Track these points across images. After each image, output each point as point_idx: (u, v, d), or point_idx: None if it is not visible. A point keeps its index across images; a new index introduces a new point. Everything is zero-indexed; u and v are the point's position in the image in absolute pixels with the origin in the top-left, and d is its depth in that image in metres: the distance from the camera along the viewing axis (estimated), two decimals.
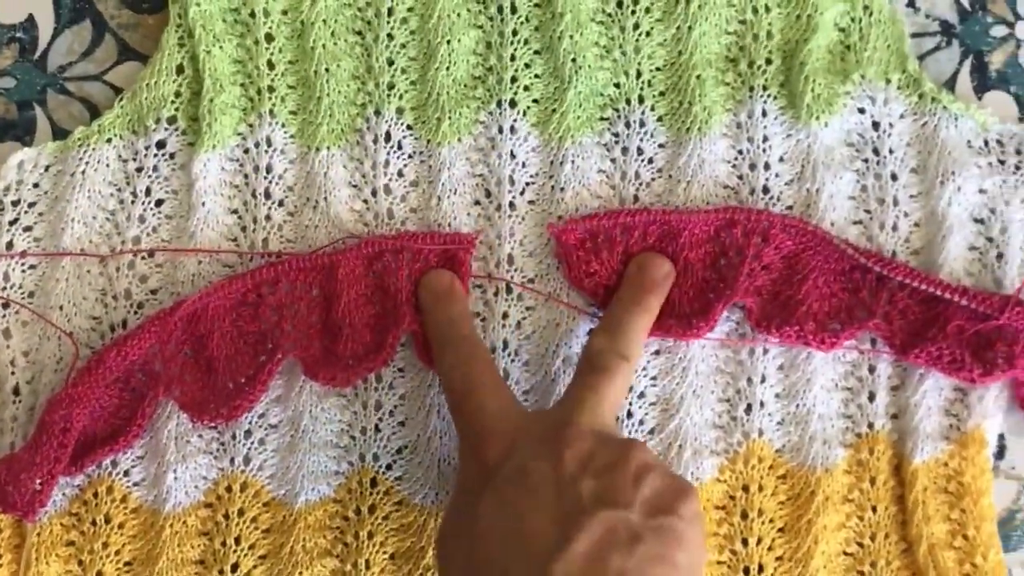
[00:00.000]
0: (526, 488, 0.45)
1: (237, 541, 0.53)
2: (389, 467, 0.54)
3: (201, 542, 0.53)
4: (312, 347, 0.53)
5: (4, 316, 0.54)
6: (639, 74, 0.56)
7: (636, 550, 0.43)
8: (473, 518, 0.45)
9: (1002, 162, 0.56)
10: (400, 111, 0.56)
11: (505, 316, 0.55)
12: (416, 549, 0.53)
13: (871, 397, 0.54)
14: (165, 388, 0.52)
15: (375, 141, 0.56)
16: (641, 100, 0.56)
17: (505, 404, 0.49)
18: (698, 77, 0.56)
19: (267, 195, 0.55)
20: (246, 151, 0.56)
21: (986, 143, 0.56)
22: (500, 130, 0.56)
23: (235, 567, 0.53)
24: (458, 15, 0.56)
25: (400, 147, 0.56)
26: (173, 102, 0.55)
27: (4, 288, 0.54)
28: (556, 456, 0.45)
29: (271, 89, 0.56)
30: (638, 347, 0.51)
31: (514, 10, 0.57)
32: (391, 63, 0.56)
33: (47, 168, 0.55)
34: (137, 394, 0.53)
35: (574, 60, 0.56)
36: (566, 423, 0.47)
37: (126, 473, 0.53)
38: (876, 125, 0.56)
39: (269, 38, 0.56)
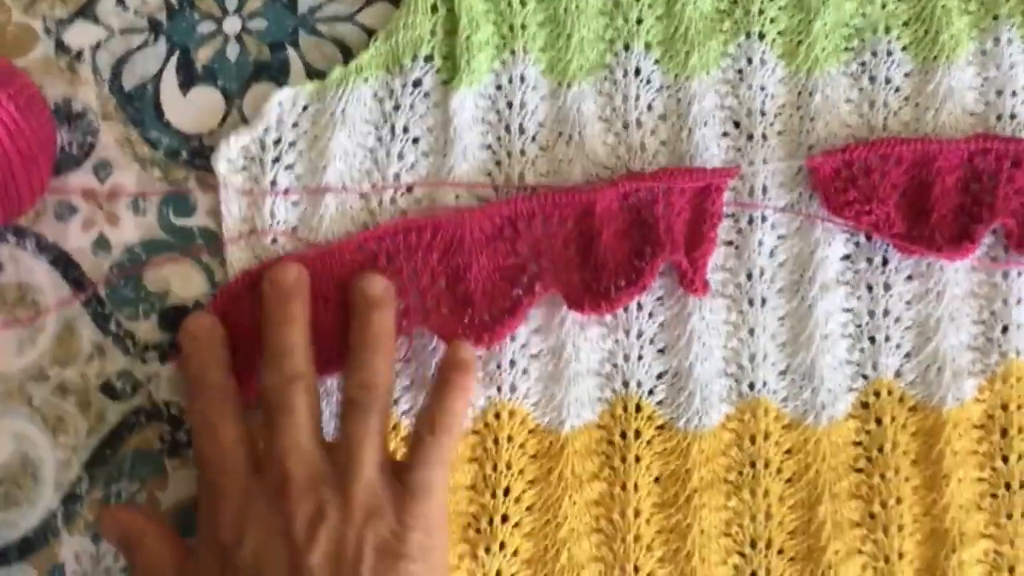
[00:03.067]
0: None
1: (508, 466, 0.55)
2: (651, 392, 0.55)
3: (472, 468, 0.55)
4: (572, 280, 0.54)
5: (274, 251, 0.55)
6: (883, 4, 0.57)
7: None
8: None
9: None
10: (648, 46, 0.57)
11: (760, 244, 0.56)
12: (681, 472, 0.55)
13: None
14: (423, 318, 0.54)
15: (625, 75, 0.57)
16: (887, 30, 0.57)
17: (237, 460, 0.50)
18: (943, 6, 0.57)
19: (521, 130, 0.56)
20: (499, 87, 0.57)
21: None
22: (749, 62, 0.57)
23: (507, 491, 0.55)
24: None
25: (649, 81, 0.57)
26: (428, 41, 0.56)
27: (271, 224, 0.56)
28: (285, 534, 0.47)
29: (523, 27, 0.57)
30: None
31: None
32: None
33: (305, 108, 0.56)
34: (396, 322, 0.54)
35: None
36: (284, 478, 0.48)
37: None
38: None
39: None
